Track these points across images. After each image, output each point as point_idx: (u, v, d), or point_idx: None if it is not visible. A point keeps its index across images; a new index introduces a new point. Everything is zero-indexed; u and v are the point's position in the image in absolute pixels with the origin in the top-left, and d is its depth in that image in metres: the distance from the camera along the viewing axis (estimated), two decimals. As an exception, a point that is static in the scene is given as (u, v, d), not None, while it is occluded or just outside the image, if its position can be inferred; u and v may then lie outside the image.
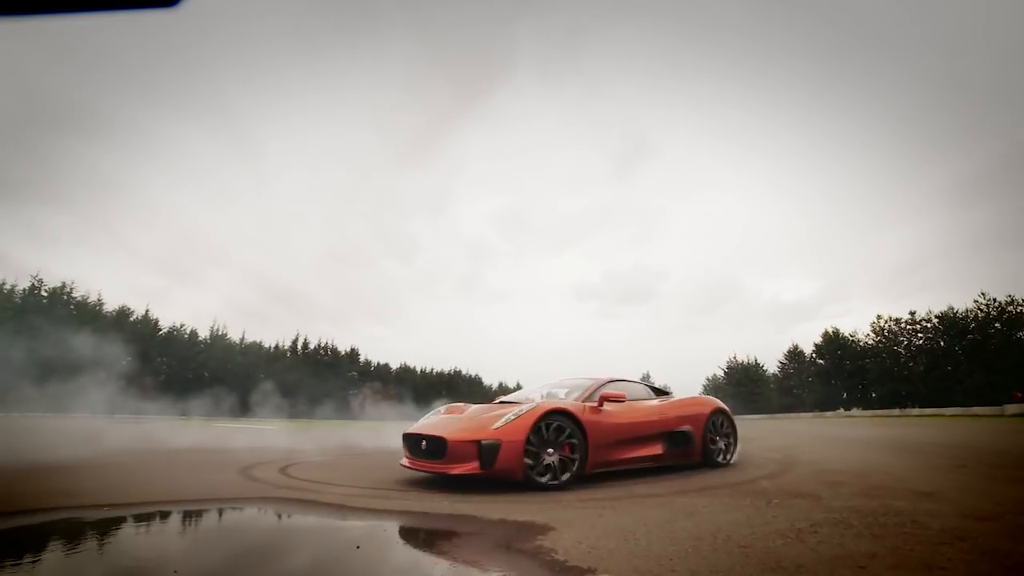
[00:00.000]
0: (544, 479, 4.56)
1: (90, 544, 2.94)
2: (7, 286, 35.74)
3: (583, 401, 5.27)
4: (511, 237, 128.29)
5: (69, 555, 2.67)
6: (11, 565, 2.42)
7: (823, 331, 57.44)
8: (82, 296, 40.69)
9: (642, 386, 6.54)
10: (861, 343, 55.01)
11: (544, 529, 3.06)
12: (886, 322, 53.37)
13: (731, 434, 6.40)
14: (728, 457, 6.26)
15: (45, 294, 37.96)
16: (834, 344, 55.77)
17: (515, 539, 2.83)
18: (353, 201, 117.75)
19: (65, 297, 39.04)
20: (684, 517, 3.42)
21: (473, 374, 71.56)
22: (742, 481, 5.03)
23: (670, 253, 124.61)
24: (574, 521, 3.32)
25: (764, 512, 3.54)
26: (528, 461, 4.48)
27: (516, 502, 4.01)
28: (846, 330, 56.40)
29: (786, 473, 5.56)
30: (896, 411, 42.12)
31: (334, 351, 61.79)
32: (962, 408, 34.59)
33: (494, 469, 4.42)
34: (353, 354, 62.93)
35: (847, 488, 4.39)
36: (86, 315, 39.56)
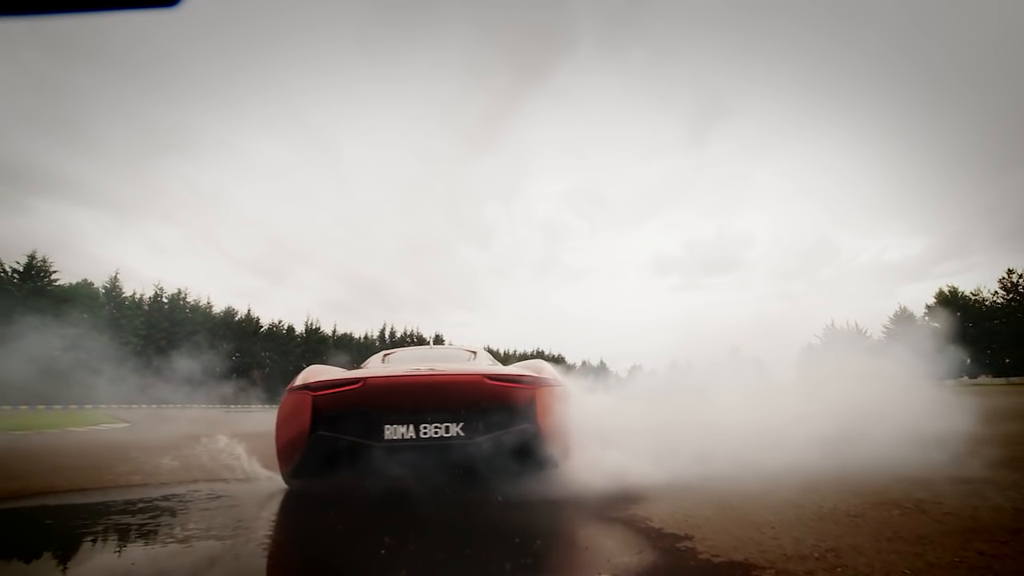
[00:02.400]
0: None
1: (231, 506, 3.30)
2: (136, 296, 40.70)
3: None
4: (585, 215, 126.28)
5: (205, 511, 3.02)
6: (166, 530, 2.77)
7: (937, 291, 51.53)
8: (195, 300, 45.48)
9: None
10: (987, 302, 48.71)
11: (637, 499, 3.02)
12: (1021, 276, 46.76)
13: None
14: None
15: (166, 300, 42.86)
16: (952, 305, 49.83)
17: (608, 508, 2.82)
18: (426, 192, 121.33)
19: (181, 302, 43.85)
20: (781, 487, 3.23)
21: (556, 353, 72.27)
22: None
23: (755, 218, 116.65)
24: (667, 491, 3.25)
25: (876, 483, 3.26)
26: None
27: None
28: (966, 289, 50.17)
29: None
30: (1039, 378, 36.96)
31: (419, 338, 64.65)
32: None
33: None
34: (438, 340, 65.47)
35: (978, 459, 3.93)
36: (199, 317, 44.22)
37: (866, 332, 57.89)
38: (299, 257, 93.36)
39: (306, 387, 3.16)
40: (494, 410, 3.17)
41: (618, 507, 2.83)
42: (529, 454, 3.15)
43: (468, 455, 3.06)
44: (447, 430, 3.07)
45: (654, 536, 2.24)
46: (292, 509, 3.16)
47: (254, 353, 48.55)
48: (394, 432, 3.03)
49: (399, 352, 4.93)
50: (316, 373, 3.43)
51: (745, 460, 4.30)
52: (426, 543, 2.28)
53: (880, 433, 5.97)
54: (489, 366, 3.79)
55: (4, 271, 32.79)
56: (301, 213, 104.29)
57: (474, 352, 4.70)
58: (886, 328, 56.26)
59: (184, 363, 31.28)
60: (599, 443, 4.44)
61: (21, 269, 33.44)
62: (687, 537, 2.20)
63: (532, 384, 3.26)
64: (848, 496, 2.89)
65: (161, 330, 39.55)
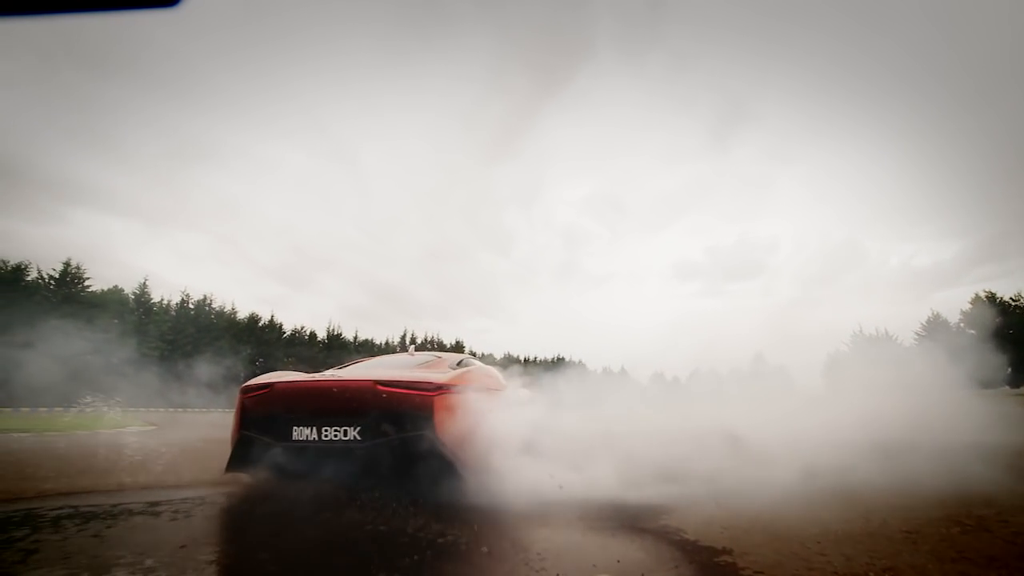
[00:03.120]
0: None
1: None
2: (164, 302, 41.72)
3: None
4: (605, 220, 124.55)
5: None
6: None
7: (973, 296, 49.55)
8: (219, 306, 46.40)
9: None
10: (1029, 308, 46.63)
11: (667, 509, 2.85)
12: (1064, 281, 44.56)
13: None
14: None
15: (192, 307, 43.84)
16: (990, 311, 47.84)
17: (638, 518, 2.66)
18: (447, 198, 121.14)
19: (207, 308, 44.80)
20: (824, 499, 3.03)
21: (577, 360, 71.66)
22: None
23: (778, 223, 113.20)
24: (699, 501, 3.07)
25: (927, 497, 3.03)
26: None
27: (628, 484, 3.80)
28: (1006, 294, 48.09)
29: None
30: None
31: (440, 344, 64.76)
32: None
33: None
34: (458, 346, 65.52)
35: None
36: (223, 322, 45.10)
37: (896, 339, 55.97)
38: (321, 264, 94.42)
39: (241, 390, 3.52)
40: (389, 416, 3.20)
41: (647, 517, 2.67)
42: (425, 461, 3.12)
43: (367, 459, 3.18)
44: (345, 434, 3.18)
45: (689, 549, 2.08)
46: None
47: (276, 358, 49.22)
48: (300, 434, 3.22)
49: (370, 359, 5.13)
50: (263, 378, 3.65)
51: (776, 471, 4.09)
52: (442, 557, 2.15)
53: (921, 442, 5.67)
54: (428, 374, 3.64)
55: (41, 278, 33.96)
56: (323, 221, 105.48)
57: (440, 358, 4.67)
58: (918, 335, 54.41)
59: (208, 368, 31.89)
60: (552, 454, 4.19)
61: (56, 276, 34.60)
62: (725, 551, 2.03)
63: (429, 391, 3.23)
64: (898, 511, 2.68)
65: (187, 335, 40.40)
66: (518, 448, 3.78)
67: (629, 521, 2.60)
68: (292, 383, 3.43)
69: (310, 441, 3.19)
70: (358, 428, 3.18)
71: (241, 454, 3.40)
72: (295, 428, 3.22)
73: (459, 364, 4.39)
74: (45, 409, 24.08)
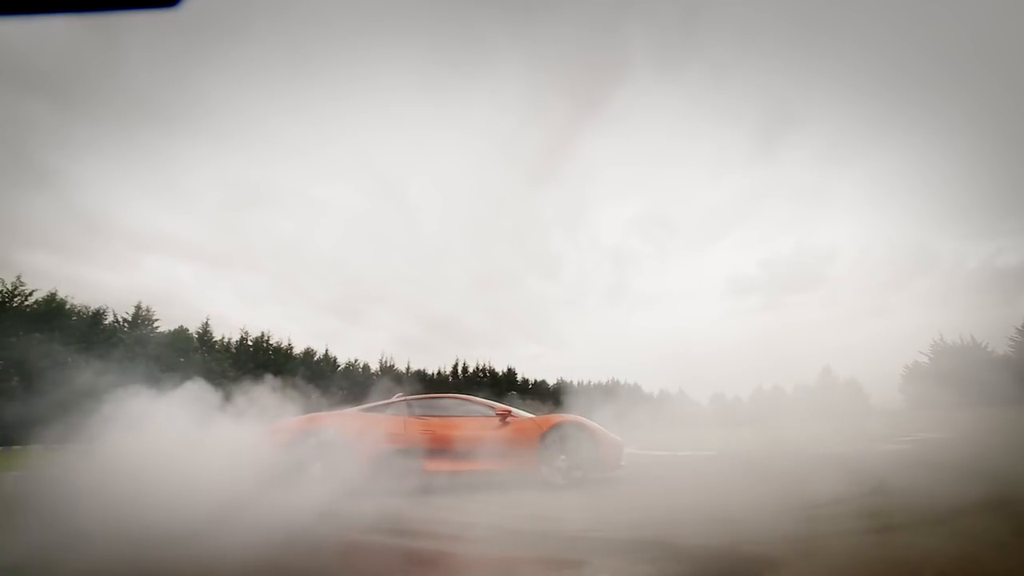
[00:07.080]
0: None
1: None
2: (225, 339, 43.84)
3: None
4: (653, 239, 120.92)
5: None
6: None
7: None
8: (276, 342, 48.20)
9: None
10: None
11: (769, 562, 2.19)
12: None
13: None
14: None
15: (251, 344, 45.74)
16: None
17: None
18: (493, 226, 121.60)
19: (264, 344, 46.61)
20: (987, 547, 2.27)
21: (632, 382, 69.03)
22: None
23: (837, 230, 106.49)
24: (803, 546, 2.38)
25: None
26: None
27: (678, 523, 3.11)
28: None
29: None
30: None
31: (492, 372, 64.26)
32: None
33: None
34: (511, 373, 64.81)
35: None
36: (280, 358, 46.71)
37: (986, 346, 50.62)
38: (374, 297, 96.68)
39: None
40: None
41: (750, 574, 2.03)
42: None
43: None
44: None
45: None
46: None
47: (332, 391, 50.26)
48: None
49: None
50: None
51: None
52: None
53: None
54: None
55: (116, 321, 36.45)
56: (374, 255, 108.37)
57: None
58: (1013, 340, 49.07)
59: (266, 401, 32.76)
60: None
61: (129, 319, 37.05)
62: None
63: None
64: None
65: (247, 371, 42.05)
66: None
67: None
68: None
69: None
70: None
71: None
72: None
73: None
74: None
